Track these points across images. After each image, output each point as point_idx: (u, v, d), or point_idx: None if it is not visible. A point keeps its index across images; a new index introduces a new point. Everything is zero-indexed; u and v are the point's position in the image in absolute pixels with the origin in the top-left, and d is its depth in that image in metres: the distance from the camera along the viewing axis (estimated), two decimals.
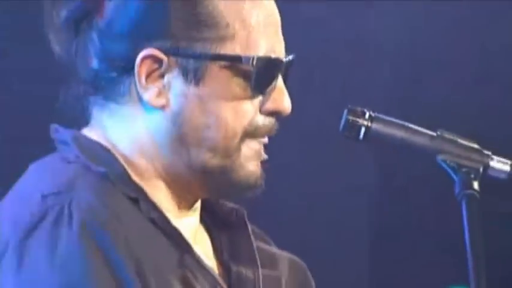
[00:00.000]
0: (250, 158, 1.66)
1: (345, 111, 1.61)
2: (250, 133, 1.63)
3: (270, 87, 1.63)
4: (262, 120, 1.63)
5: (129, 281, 1.55)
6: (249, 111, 1.62)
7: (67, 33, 1.62)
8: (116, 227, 1.56)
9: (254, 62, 1.59)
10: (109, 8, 1.60)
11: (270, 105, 1.63)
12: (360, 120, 1.60)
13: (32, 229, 1.53)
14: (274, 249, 1.87)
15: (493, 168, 1.64)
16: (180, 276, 1.61)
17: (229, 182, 1.66)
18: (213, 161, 1.63)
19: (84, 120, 1.67)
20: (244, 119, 1.62)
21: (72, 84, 1.64)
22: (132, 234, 1.58)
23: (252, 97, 1.61)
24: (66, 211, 1.54)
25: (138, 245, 1.58)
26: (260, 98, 1.63)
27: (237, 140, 1.62)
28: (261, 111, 1.63)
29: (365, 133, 1.59)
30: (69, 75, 1.64)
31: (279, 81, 1.63)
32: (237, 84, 1.60)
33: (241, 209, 1.79)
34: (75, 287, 1.54)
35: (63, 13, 1.61)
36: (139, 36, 1.59)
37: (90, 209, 1.55)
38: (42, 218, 1.53)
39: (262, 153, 1.67)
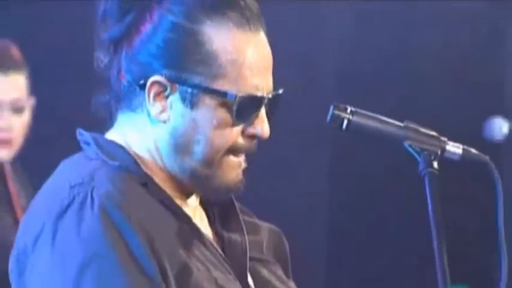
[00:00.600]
0: (231, 168, 1.93)
1: (331, 107, 1.87)
2: (232, 151, 1.90)
3: (251, 117, 1.90)
4: (243, 141, 1.91)
5: (142, 253, 1.81)
6: (231, 135, 1.89)
7: (106, 51, 1.92)
8: (129, 208, 1.81)
9: (236, 99, 1.84)
10: (136, 40, 1.88)
11: (250, 130, 1.90)
12: (343, 114, 1.86)
13: (62, 212, 1.82)
14: (256, 220, 2.14)
15: (449, 151, 1.89)
16: (184, 245, 1.87)
17: (212, 186, 1.94)
18: (200, 169, 1.90)
19: (111, 122, 1.98)
20: (227, 141, 1.89)
21: (103, 93, 1.95)
22: (143, 213, 1.83)
23: (235, 125, 1.88)
24: (89, 197, 1.82)
25: (148, 222, 1.83)
26: (242, 124, 1.90)
27: (220, 155, 1.89)
28: (243, 134, 1.90)
29: (347, 124, 1.86)
30: (102, 86, 1.94)
31: (261, 111, 1.90)
32: (223, 113, 1.87)
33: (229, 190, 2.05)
34: (95, 257, 1.79)
35: (104, 35, 1.91)
36: (152, 65, 1.86)
37: (108, 195, 1.81)
38: (70, 203, 1.81)
39: (243, 163, 1.94)
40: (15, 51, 3.35)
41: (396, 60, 5.25)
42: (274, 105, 1.95)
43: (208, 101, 1.88)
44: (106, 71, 1.94)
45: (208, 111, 1.90)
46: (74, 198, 1.83)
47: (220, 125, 1.91)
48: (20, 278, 1.89)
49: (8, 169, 3.48)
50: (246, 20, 1.91)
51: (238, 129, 1.91)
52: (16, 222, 3.46)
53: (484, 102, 4.72)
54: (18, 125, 3.34)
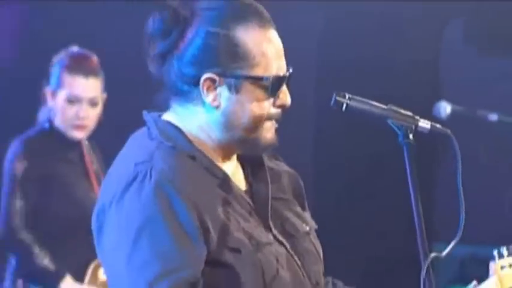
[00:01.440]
0: (268, 131, 2.29)
1: (334, 94, 2.23)
2: (268, 118, 2.27)
3: (279, 92, 2.27)
4: (274, 111, 2.28)
5: (187, 220, 2.11)
6: (267, 107, 2.25)
7: (158, 60, 2.27)
8: (179, 183, 2.14)
9: (269, 80, 2.22)
10: (183, 46, 2.22)
11: (279, 102, 2.28)
12: (343, 100, 2.22)
13: (128, 185, 2.15)
14: (279, 166, 2.50)
15: (421, 126, 2.23)
16: (223, 205, 2.19)
17: (257, 146, 2.31)
18: (247, 136, 2.28)
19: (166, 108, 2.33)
20: (264, 112, 2.26)
21: (161, 91, 2.31)
22: (190, 187, 2.16)
23: (269, 99, 2.25)
24: (148, 174, 2.15)
25: (194, 193, 2.15)
26: (273, 98, 2.27)
27: (260, 123, 2.26)
28: (273, 106, 2.27)
29: (346, 107, 2.22)
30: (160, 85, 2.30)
31: (284, 87, 2.28)
32: (260, 92, 2.23)
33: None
34: (149, 221, 2.10)
35: (156, 49, 2.26)
36: (201, 66, 2.22)
37: (162, 172, 2.14)
38: (135, 177, 2.15)
39: (274, 126, 2.31)
40: (94, 60, 3.89)
41: (369, 54, 5.55)
42: (289, 81, 2.31)
43: (248, 86, 2.23)
44: (160, 76, 2.30)
45: (249, 93, 2.25)
46: (137, 174, 2.16)
47: (259, 102, 2.26)
48: (99, 231, 2.23)
49: (85, 146, 4.01)
50: (263, 22, 2.25)
51: (270, 102, 2.27)
52: (91, 186, 3.90)
53: (434, 90, 5.17)
54: (93, 115, 3.91)
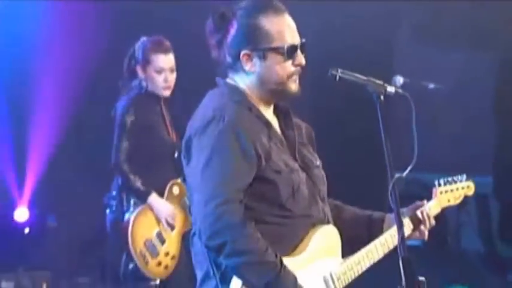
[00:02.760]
0: (293, 83, 2.73)
1: (330, 69, 2.66)
2: (289, 75, 2.72)
3: (295, 55, 2.71)
4: (293, 69, 2.72)
5: (247, 147, 2.59)
6: (287, 67, 2.72)
7: (216, 47, 2.77)
8: (241, 124, 2.63)
9: (286, 48, 2.70)
10: (228, 36, 2.72)
11: (296, 62, 2.73)
12: (336, 73, 2.66)
13: (208, 123, 2.64)
14: (299, 121, 2.91)
15: (388, 91, 2.66)
16: (267, 140, 2.67)
17: (286, 94, 2.76)
18: (278, 88, 2.74)
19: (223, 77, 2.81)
20: (287, 70, 2.72)
21: (220, 66, 2.79)
22: (248, 126, 2.65)
23: (287, 61, 2.71)
24: (222, 117, 2.63)
25: (251, 130, 2.64)
26: (291, 60, 2.71)
27: (285, 78, 2.72)
28: (293, 65, 2.72)
29: (339, 78, 2.66)
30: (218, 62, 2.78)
31: (298, 51, 2.71)
32: (280, 58, 2.71)
33: (286, 106, 2.85)
34: (220, 147, 2.58)
35: (213, 40, 2.76)
36: (240, 46, 2.70)
37: (231, 117, 2.62)
38: (213, 118, 2.64)
39: (296, 80, 2.73)
40: (166, 42, 4.62)
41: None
42: (303, 48, 2.74)
43: (271, 54, 2.71)
44: (218, 57, 2.78)
45: (273, 59, 2.72)
46: (214, 117, 2.63)
47: (280, 64, 2.72)
48: (187, 154, 2.70)
49: (163, 101, 4.68)
50: (277, 10, 2.72)
51: (289, 63, 2.72)
52: (167, 130, 4.62)
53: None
54: (172, 79, 4.61)
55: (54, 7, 7.06)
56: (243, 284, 2.56)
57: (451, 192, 3.12)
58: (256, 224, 2.60)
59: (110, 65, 4.95)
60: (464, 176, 3.15)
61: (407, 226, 2.94)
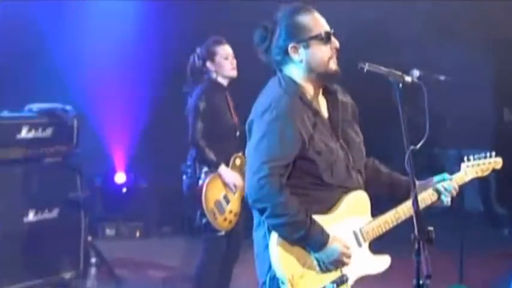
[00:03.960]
0: (334, 64, 2.66)
1: (359, 62, 2.54)
2: (330, 56, 2.64)
3: (330, 40, 2.65)
4: (331, 52, 2.65)
5: (294, 129, 2.54)
6: (327, 51, 2.65)
7: (265, 52, 2.70)
8: (292, 112, 2.58)
9: (323, 35, 2.63)
10: (275, 38, 2.65)
11: (332, 46, 2.66)
12: (364, 66, 2.55)
13: (266, 109, 2.60)
14: (347, 98, 2.81)
15: (406, 80, 2.54)
16: (312, 125, 2.61)
17: (328, 73, 2.65)
18: (323, 70, 2.64)
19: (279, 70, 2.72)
20: (327, 54, 2.65)
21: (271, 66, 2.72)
22: (297, 113, 2.59)
23: (326, 45, 2.64)
24: (278, 105, 2.59)
25: (299, 117, 2.58)
26: (329, 45, 2.64)
27: (327, 61, 2.64)
28: (330, 48, 2.65)
29: (366, 70, 2.55)
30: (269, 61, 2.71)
31: (332, 37, 2.65)
32: (320, 44, 2.64)
33: (333, 87, 2.76)
34: (272, 129, 2.54)
35: (262, 46, 2.69)
36: (286, 41, 2.63)
37: (285, 105, 2.58)
38: (268, 108, 2.60)
39: (335, 61, 2.65)
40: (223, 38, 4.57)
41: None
42: (334, 35, 2.67)
43: (313, 42, 2.65)
44: (266, 59, 2.72)
45: (315, 46, 2.66)
46: (269, 106, 2.60)
47: (321, 49, 2.66)
48: (249, 134, 2.68)
49: (227, 91, 4.61)
50: (309, 10, 2.68)
51: (327, 47, 2.65)
52: (231, 114, 4.57)
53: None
54: (235, 62, 4.54)
55: (144, 6, 7.10)
56: (279, 236, 2.59)
57: (478, 166, 3.01)
58: (299, 191, 2.61)
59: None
60: (494, 153, 3.06)
61: (432, 195, 2.87)
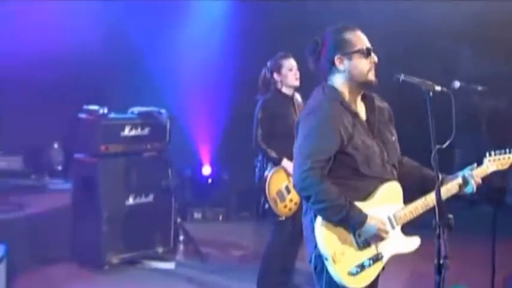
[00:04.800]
0: (372, 75, 2.66)
1: (395, 74, 2.56)
2: (369, 69, 2.64)
3: (370, 55, 2.65)
4: (370, 65, 2.65)
5: (333, 132, 2.56)
6: (367, 63, 2.65)
7: (315, 63, 2.73)
8: (333, 115, 2.59)
9: (365, 50, 2.64)
10: (325, 51, 2.68)
11: (372, 60, 2.66)
12: (399, 76, 2.57)
13: (308, 114, 2.65)
14: (383, 104, 2.79)
15: (436, 89, 2.55)
16: (352, 126, 2.61)
17: (367, 83, 2.66)
18: (364, 79, 2.64)
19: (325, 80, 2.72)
20: (368, 66, 2.65)
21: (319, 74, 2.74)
22: (338, 117, 2.60)
23: (366, 59, 2.64)
24: (321, 108, 2.62)
25: (339, 121, 2.59)
26: (369, 59, 2.65)
27: (366, 72, 2.65)
28: (369, 62, 2.65)
29: (402, 81, 2.57)
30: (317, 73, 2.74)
31: (372, 53, 2.65)
32: (362, 57, 2.64)
33: (371, 95, 2.74)
34: (315, 128, 2.56)
35: (313, 58, 2.72)
36: (333, 54, 2.66)
37: (326, 109, 2.60)
38: (311, 111, 2.65)
39: (373, 73, 2.65)
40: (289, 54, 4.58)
41: None
42: (374, 51, 2.68)
43: (355, 56, 2.65)
44: (316, 68, 2.75)
45: (357, 59, 2.66)
46: (314, 109, 2.65)
47: (362, 62, 2.66)
48: (297, 133, 2.68)
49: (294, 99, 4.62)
50: (353, 28, 2.69)
51: (368, 60, 2.66)
52: (296, 115, 4.48)
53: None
54: (298, 73, 4.53)
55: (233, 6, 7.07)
56: (323, 219, 2.62)
57: (499, 160, 2.96)
58: (340, 181, 2.61)
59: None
60: None
61: (457, 186, 2.83)
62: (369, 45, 2.69)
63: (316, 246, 2.60)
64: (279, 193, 4.51)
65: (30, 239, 5.32)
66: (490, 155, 2.95)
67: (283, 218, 4.52)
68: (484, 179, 2.87)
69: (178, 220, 5.84)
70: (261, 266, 4.71)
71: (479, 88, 3.22)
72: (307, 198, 2.62)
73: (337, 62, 2.67)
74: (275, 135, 4.50)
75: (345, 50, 2.66)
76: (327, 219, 2.57)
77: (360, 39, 2.69)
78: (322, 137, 2.58)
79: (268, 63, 4.68)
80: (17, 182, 6.74)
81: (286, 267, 4.73)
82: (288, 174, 4.48)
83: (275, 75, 4.63)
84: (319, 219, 2.62)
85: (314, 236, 2.59)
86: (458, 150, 6.84)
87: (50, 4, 6.47)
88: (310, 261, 2.69)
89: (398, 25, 6.31)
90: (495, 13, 6.20)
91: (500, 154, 2.96)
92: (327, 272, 2.57)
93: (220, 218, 7.12)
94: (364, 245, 2.62)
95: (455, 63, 6.52)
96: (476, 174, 2.86)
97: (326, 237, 2.59)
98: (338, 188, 2.58)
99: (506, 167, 2.99)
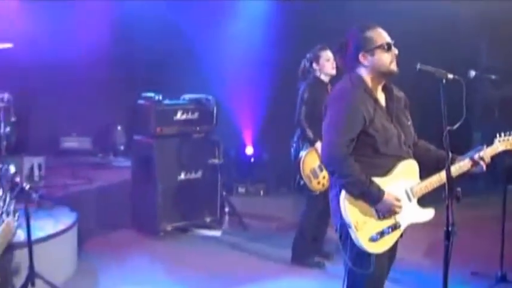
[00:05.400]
0: (394, 66, 2.65)
1: (417, 64, 2.54)
2: (390, 61, 2.64)
3: (391, 49, 2.64)
4: (392, 57, 2.64)
5: (358, 114, 2.56)
6: (388, 56, 2.64)
7: (341, 57, 2.75)
8: (357, 100, 2.59)
9: (385, 45, 2.63)
10: (350, 49, 2.67)
11: (392, 53, 2.65)
12: (416, 65, 2.58)
13: (335, 98, 2.68)
14: (400, 94, 2.78)
15: (449, 77, 2.55)
16: (373, 110, 2.61)
17: (389, 73, 2.65)
18: (387, 70, 2.64)
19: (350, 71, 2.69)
20: (389, 59, 2.64)
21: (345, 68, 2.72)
22: (360, 100, 2.60)
23: (388, 53, 2.63)
24: (346, 94, 2.63)
25: (362, 103, 2.60)
26: (390, 52, 2.64)
27: (388, 63, 2.64)
28: (390, 55, 2.64)
29: (419, 70, 2.57)
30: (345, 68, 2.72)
31: (393, 47, 2.64)
32: (383, 52, 2.64)
33: (390, 85, 2.73)
34: (341, 111, 2.57)
35: (341, 53, 2.73)
36: (357, 50, 2.65)
37: (351, 94, 2.61)
38: (339, 96, 2.67)
39: (395, 64, 2.63)
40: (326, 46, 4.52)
41: None
42: (395, 45, 2.66)
43: (377, 51, 2.65)
44: (344, 61, 2.74)
45: (379, 54, 2.65)
46: (341, 94, 2.68)
47: (384, 55, 2.65)
48: (325, 115, 2.68)
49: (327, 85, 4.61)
50: (375, 26, 2.68)
51: (389, 54, 2.65)
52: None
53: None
54: (334, 64, 4.52)
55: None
56: (346, 192, 2.65)
57: (508, 140, 2.91)
58: (362, 159, 2.61)
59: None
60: None
61: (468, 164, 2.80)
62: (389, 40, 2.67)
63: (341, 216, 2.61)
64: (313, 171, 4.55)
65: (96, 208, 5.56)
66: (499, 135, 2.93)
67: (317, 193, 4.57)
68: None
69: (224, 194, 5.92)
70: (296, 235, 4.78)
71: (493, 77, 3.18)
72: (333, 173, 2.65)
73: (361, 58, 2.67)
74: (313, 118, 4.50)
75: (368, 47, 2.65)
76: (349, 192, 2.59)
77: (380, 36, 2.67)
78: (347, 119, 2.59)
79: (308, 55, 4.69)
80: (86, 159, 7.11)
81: (318, 237, 4.80)
82: (320, 155, 4.53)
83: (314, 65, 4.64)
84: (343, 192, 2.64)
85: (339, 207, 2.61)
86: (477, 133, 6.71)
87: (113, 4, 6.66)
88: (336, 230, 2.73)
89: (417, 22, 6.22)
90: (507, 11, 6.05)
91: (509, 135, 2.93)
92: (351, 239, 2.59)
93: (261, 193, 7.18)
94: (383, 215, 2.66)
95: (472, 55, 6.34)
96: (486, 154, 2.83)
97: (349, 208, 2.60)
98: (360, 165, 2.58)
99: None
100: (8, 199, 2.55)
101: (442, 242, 2.48)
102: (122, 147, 7.50)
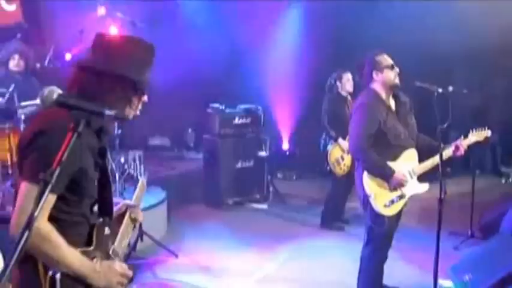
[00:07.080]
0: (396, 80, 2.66)
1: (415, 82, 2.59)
2: (394, 77, 2.67)
3: (394, 68, 2.68)
4: (395, 73, 2.68)
5: (374, 117, 2.59)
6: (392, 73, 2.68)
7: (360, 76, 2.78)
8: (373, 107, 2.64)
9: (389, 66, 2.69)
10: (365, 69, 2.73)
11: (395, 71, 2.68)
12: (414, 83, 2.61)
13: (359, 107, 2.69)
14: (404, 98, 2.75)
15: (438, 91, 2.60)
16: (385, 116, 2.66)
17: (395, 86, 2.68)
18: (390, 83, 2.66)
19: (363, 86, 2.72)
20: (392, 75, 2.68)
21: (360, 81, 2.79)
22: (376, 107, 2.64)
23: (392, 70, 2.66)
24: (365, 103, 2.69)
25: (378, 110, 2.63)
26: (394, 70, 2.67)
27: (392, 79, 2.67)
28: (393, 72, 2.67)
29: (417, 86, 2.60)
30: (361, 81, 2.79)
31: (394, 66, 2.67)
32: (388, 70, 2.72)
33: (398, 94, 2.72)
34: (361, 116, 2.61)
35: (358, 73, 2.81)
36: (372, 69, 2.76)
37: (369, 103, 2.64)
38: (362, 104, 2.69)
39: (397, 78, 2.62)
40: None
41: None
42: (396, 65, 2.68)
43: (385, 69, 2.70)
44: (362, 78, 2.82)
45: (386, 71, 2.70)
46: (363, 103, 2.69)
47: (389, 72, 2.69)
48: (350, 119, 2.75)
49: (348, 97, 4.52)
50: (382, 53, 2.76)
51: (393, 71, 2.70)
52: (348, 109, 4.46)
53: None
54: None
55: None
56: (368, 174, 2.77)
57: (478, 134, 2.96)
58: (378, 149, 2.69)
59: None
60: (487, 127, 2.99)
61: (451, 150, 2.86)
62: (391, 62, 2.73)
63: (363, 189, 2.73)
64: (337, 160, 4.66)
65: (178, 188, 5.79)
66: (472, 130, 2.98)
67: (340, 176, 4.67)
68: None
69: (269, 178, 6.04)
70: (324, 207, 4.93)
71: (464, 91, 3.26)
72: (358, 159, 2.78)
73: (374, 75, 2.76)
74: (335, 122, 4.60)
75: (378, 67, 2.73)
76: (370, 172, 2.71)
77: (386, 59, 2.73)
78: (367, 122, 2.68)
79: (333, 74, 4.72)
80: (166, 153, 7.44)
81: (339, 208, 4.94)
82: (342, 149, 4.60)
83: (337, 83, 4.70)
84: (365, 172, 2.78)
85: (362, 183, 2.74)
86: (454, 132, 6.22)
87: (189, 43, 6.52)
88: (359, 198, 2.85)
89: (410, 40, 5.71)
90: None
91: (480, 131, 2.99)
92: (371, 205, 2.72)
93: (294, 177, 7.20)
94: (394, 188, 2.80)
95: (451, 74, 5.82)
96: (463, 143, 2.91)
97: (370, 184, 2.73)
98: (377, 153, 2.69)
99: (481, 138, 3.00)
100: (138, 164, 2.60)
101: (432, 211, 2.58)
102: (192, 145, 7.82)
